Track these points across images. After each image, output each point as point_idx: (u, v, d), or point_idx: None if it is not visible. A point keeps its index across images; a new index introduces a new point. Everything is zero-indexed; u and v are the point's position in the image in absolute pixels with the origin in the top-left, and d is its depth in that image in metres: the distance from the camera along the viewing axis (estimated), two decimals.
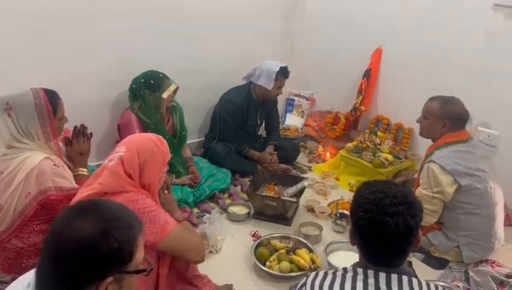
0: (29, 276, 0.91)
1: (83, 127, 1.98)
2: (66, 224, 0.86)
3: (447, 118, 2.16)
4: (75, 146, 1.95)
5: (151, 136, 1.61)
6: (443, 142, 2.18)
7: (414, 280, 1.09)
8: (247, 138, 3.19)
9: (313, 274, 1.19)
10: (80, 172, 1.96)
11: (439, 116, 2.18)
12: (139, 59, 2.75)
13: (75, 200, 1.49)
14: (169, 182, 2.50)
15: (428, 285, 1.10)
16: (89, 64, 2.60)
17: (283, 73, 2.98)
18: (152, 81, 2.54)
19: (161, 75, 2.58)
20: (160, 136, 1.62)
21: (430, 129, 2.26)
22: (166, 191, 1.76)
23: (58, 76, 2.38)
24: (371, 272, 1.09)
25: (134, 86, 2.57)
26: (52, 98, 1.76)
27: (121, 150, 1.51)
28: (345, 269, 1.14)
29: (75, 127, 1.96)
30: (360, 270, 1.11)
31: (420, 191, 2.18)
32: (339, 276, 1.13)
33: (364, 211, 1.10)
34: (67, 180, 1.76)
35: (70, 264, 0.82)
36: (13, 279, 1.02)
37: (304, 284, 1.18)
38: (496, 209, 2.15)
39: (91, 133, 2.01)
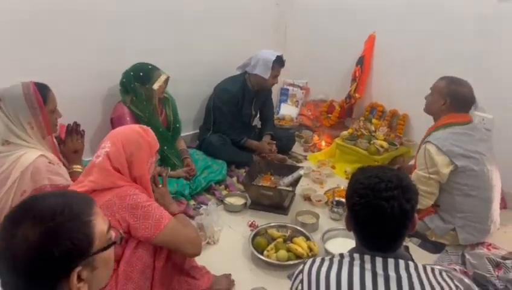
0: None
1: (76, 124, 1.99)
2: (10, 238, 0.80)
3: (448, 97, 2.16)
4: (69, 144, 1.97)
5: (136, 127, 1.59)
6: (442, 124, 2.19)
7: (411, 264, 1.09)
8: (242, 128, 3.17)
9: (310, 261, 1.19)
10: (75, 169, 1.96)
11: (442, 93, 2.19)
12: (130, 51, 2.72)
13: None
14: (164, 175, 2.50)
15: (425, 268, 1.10)
16: (80, 57, 2.56)
17: (279, 62, 2.97)
18: (141, 74, 2.52)
19: (150, 67, 2.56)
20: (146, 127, 1.60)
21: (431, 105, 2.27)
22: (160, 185, 1.75)
23: (48, 70, 2.33)
24: (367, 257, 1.09)
25: (124, 79, 2.55)
26: (41, 89, 1.77)
27: (106, 145, 1.50)
28: (341, 255, 1.14)
29: (68, 125, 1.96)
30: (356, 255, 1.11)
31: (416, 173, 2.19)
32: (335, 262, 1.13)
33: (359, 196, 1.09)
34: (62, 178, 1.76)
35: (31, 275, 0.79)
36: None
37: (301, 271, 1.18)
38: (492, 192, 2.16)
39: (83, 131, 2.00)
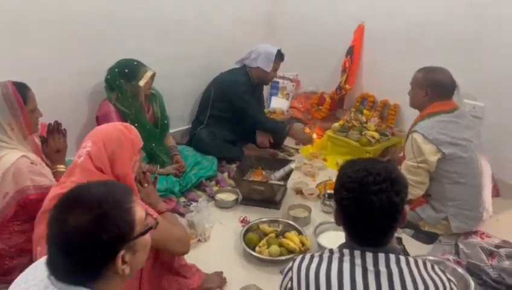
0: (36, 272, 0.95)
1: (57, 123, 1.93)
2: (61, 225, 0.88)
3: (428, 87, 2.16)
4: (51, 144, 1.91)
5: (117, 125, 1.54)
6: (427, 113, 2.17)
7: (402, 258, 1.06)
8: (233, 123, 3.12)
9: (299, 258, 1.16)
10: (59, 169, 1.91)
11: (421, 85, 2.19)
12: (115, 47, 2.66)
13: (47, 198, 1.44)
14: (150, 173, 2.45)
15: (416, 262, 1.07)
16: (64, 55, 2.50)
17: (280, 56, 3.01)
18: (127, 70, 2.46)
19: (135, 63, 2.50)
20: (128, 124, 1.56)
21: (414, 99, 2.27)
22: (146, 184, 1.71)
23: (32, 69, 2.30)
24: (357, 253, 1.06)
25: (109, 76, 2.49)
26: (21, 89, 1.71)
27: (87, 145, 1.45)
28: (331, 251, 1.11)
29: (49, 125, 1.90)
30: (346, 251, 1.08)
31: (405, 163, 2.18)
32: (325, 258, 1.10)
33: (347, 190, 1.06)
34: (46, 178, 1.71)
35: (81, 258, 0.87)
36: None
37: (291, 268, 1.15)
38: (482, 178, 2.15)
39: (65, 129, 1.95)
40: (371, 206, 1.02)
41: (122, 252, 0.90)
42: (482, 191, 2.16)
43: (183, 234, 1.57)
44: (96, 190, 0.93)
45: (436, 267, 1.09)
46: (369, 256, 1.05)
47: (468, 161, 2.10)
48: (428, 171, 2.14)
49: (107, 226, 0.87)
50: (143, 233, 0.96)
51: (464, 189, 2.13)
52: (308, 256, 1.14)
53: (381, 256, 1.05)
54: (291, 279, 1.12)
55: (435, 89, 2.15)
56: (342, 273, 1.04)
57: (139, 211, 0.96)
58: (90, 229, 0.86)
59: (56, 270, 0.89)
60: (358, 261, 1.05)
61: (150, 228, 0.99)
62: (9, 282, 1.02)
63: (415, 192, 2.18)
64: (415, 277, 1.03)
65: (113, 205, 0.90)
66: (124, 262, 0.91)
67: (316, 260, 1.10)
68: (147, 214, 1.00)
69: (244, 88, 2.99)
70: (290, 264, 1.17)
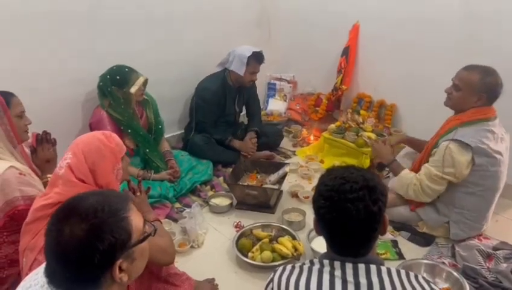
0: (37, 278, 0.95)
1: (46, 133, 1.93)
2: (58, 234, 0.88)
3: (484, 92, 1.95)
4: (40, 154, 1.91)
5: (97, 134, 1.52)
6: (468, 119, 1.99)
7: (383, 269, 1.03)
8: (227, 126, 3.10)
9: (280, 269, 1.13)
10: (49, 179, 1.90)
11: (476, 89, 1.96)
12: (109, 54, 2.64)
13: (31, 210, 1.44)
14: (146, 179, 2.42)
15: (398, 272, 1.04)
16: (56, 63, 2.49)
17: (256, 58, 2.84)
18: (118, 77, 2.45)
19: (127, 70, 2.48)
20: (109, 132, 1.54)
21: (461, 101, 2.02)
22: (138, 193, 1.70)
23: (24, 77, 2.30)
24: (337, 264, 1.03)
25: (101, 83, 2.48)
26: (4, 95, 1.71)
27: (67, 156, 1.44)
28: (311, 262, 1.09)
29: (38, 135, 1.90)
30: (326, 262, 1.05)
31: (429, 169, 2.05)
32: (305, 270, 1.07)
33: (324, 198, 1.03)
34: (35, 188, 1.70)
35: (78, 267, 0.87)
36: None
37: (272, 280, 1.13)
38: (496, 195, 2.11)
39: (54, 139, 1.95)
40: (347, 214, 0.99)
41: (119, 261, 0.90)
42: (491, 206, 2.12)
43: (168, 244, 1.55)
44: (92, 200, 0.93)
45: (419, 277, 1.05)
46: (349, 267, 1.02)
47: (493, 175, 2.01)
48: (449, 182, 2.04)
49: (102, 235, 0.87)
50: (140, 241, 0.96)
51: (476, 201, 2.07)
52: (289, 267, 1.12)
53: (361, 267, 1.02)
54: None
55: (489, 94, 1.95)
56: (321, 286, 1.02)
57: (136, 218, 0.96)
58: (85, 239, 0.86)
59: (54, 278, 0.90)
60: (338, 272, 1.02)
61: (148, 235, 0.99)
62: None
63: (423, 198, 2.12)
64: (396, 287, 1.00)
65: (109, 214, 0.90)
66: (121, 270, 0.91)
67: (296, 272, 1.08)
68: (145, 221, 1.00)
69: (207, 96, 2.90)
70: (271, 275, 1.15)
